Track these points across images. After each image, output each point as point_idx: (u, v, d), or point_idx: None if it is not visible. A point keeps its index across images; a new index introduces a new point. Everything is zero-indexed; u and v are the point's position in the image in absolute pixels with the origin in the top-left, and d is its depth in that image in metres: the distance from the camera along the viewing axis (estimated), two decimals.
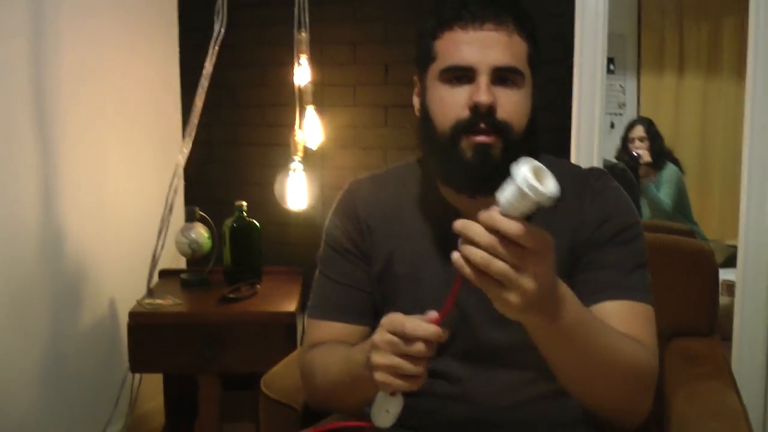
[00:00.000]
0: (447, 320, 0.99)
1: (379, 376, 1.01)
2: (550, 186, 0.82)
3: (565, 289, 0.97)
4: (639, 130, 4.10)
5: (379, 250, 1.31)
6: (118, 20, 2.48)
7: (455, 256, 0.88)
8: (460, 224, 0.88)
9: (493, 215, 0.85)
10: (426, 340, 0.98)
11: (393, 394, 1.04)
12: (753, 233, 2.47)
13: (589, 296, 1.17)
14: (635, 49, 5.12)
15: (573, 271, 1.22)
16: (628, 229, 1.23)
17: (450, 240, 1.24)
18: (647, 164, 3.96)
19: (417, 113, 1.26)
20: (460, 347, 1.24)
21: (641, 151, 3.98)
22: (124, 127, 2.55)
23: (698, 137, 5.07)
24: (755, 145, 2.45)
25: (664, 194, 3.96)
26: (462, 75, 1.15)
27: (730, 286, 3.00)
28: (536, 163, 0.84)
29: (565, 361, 1.05)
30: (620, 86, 5.17)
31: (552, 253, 0.89)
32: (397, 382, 1.00)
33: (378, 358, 1.00)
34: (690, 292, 1.79)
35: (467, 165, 1.14)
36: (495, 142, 1.13)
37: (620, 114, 5.16)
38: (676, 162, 4.13)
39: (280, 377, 1.58)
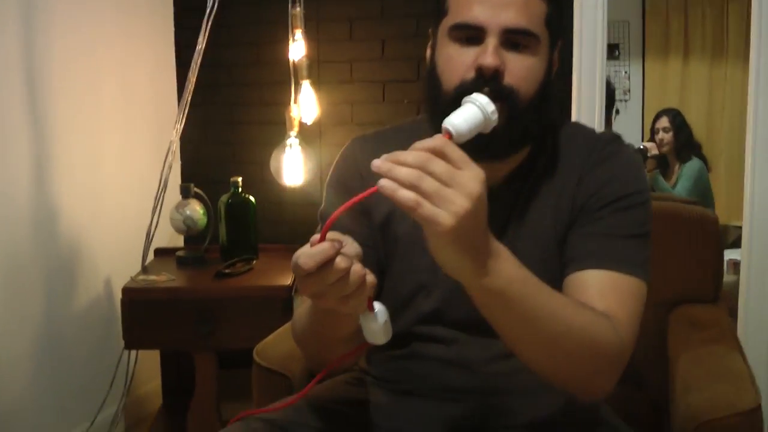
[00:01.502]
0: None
1: (318, 302, 0.93)
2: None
3: (499, 246, 0.92)
4: (664, 121, 4.05)
5: (379, 208, 1.26)
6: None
7: (382, 181, 0.83)
8: (381, 164, 0.84)
9: (419, 142, 0.85)
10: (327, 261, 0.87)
11: (370, 307, 0.97)
12: (757, 213, 2.45)
13: (572, 263, 1.13)
14: (640, 35, 5.07)
15: (569, 232, 1.17)
16: (628, 197, 1.16)
17: None
18: (654, 156, 3.89)
19: (427, 65, 1.21)
20: (456, 316, 1.21)
21: (648, 144, 3.92)
22: (119, 106, 2.54)
23: (704, 122, 5.03)
24: (759, 128, 2.42)
25: (681, 187, 3.88)
26: (472, 34, 1.10)
27: (736, 264, 2.97)
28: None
29: (507, 328, 0.98)
30: (625, 72, 5.14)
31: (482, 186, 0.84)
32: (339, 307, 0.92)
33: (306, 290, 0.91)
34: (694, 258, 1.77)
35: None
36: (499, 109, 1.05)
37: (626, 100, 5.13)
38: (701, 156, 4.07)
39: (273, 346, 1.57)
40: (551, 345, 0.99)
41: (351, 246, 0.92)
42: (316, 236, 0.89)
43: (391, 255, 1.26)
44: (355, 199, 0.88)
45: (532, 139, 1.18)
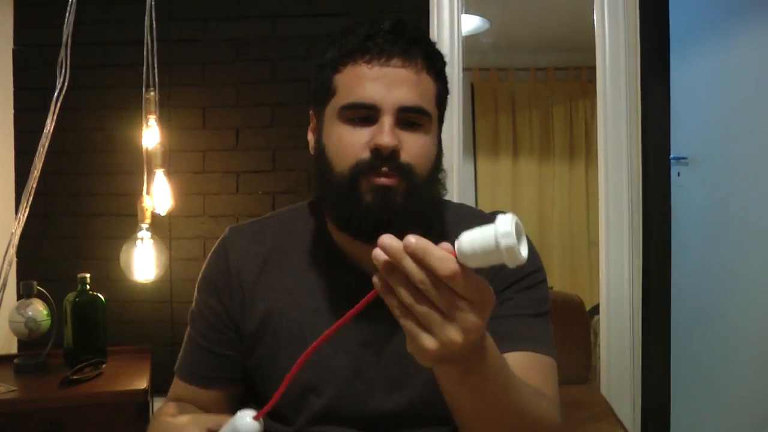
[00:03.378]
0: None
1: None
2: (524, 251, 0.69)
3: (489, 340, 0.83)
4: None
5: (255, 308, 1.18)
6: None
7: (375, 279, 0.74)
8: (390, 247, 0.71)
9: (426, 245, 0.70)
10: None
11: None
12: (613, 294, 2.54)
13: None
14: (471, 135, 5.31)
15: None
16: (530, 276, 1.16)
17: (345, 292, 1.15)
18: None
19: (311, 151, 1.16)
20: (349, 412, 1.13)
21: None
22: None
23: (536, 216, 5.28)
24: (610, 212, 2.57)
25: None
26: (365, 114, 1.06)
27: None
28: (519, 221, 0.70)
29: (473, 414, 0.93)
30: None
31: (490, 309, 0.75)
32: None
33: None
34: (564, 341, 1.79)
35: (367, 208, 1.05)
36: (398, 185, 1.05)
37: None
38: None
39: None
40: (507, 424, 0.94)
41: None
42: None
43: (274, 355, 1.17)
44: (350, 312, 0.77)
45: (427, 216, 1.14)
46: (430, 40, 1.12)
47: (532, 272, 1.16)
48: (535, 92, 5.27)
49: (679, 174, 3.26)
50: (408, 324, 0.74)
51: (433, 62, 1.09)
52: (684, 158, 3.22)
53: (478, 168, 5.34)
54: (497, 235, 0.67)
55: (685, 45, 3.16)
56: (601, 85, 2.58)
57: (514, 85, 5.28)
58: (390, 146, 1.03)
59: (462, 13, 2.65)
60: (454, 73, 2.62)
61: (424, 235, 1.09)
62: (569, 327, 1.84)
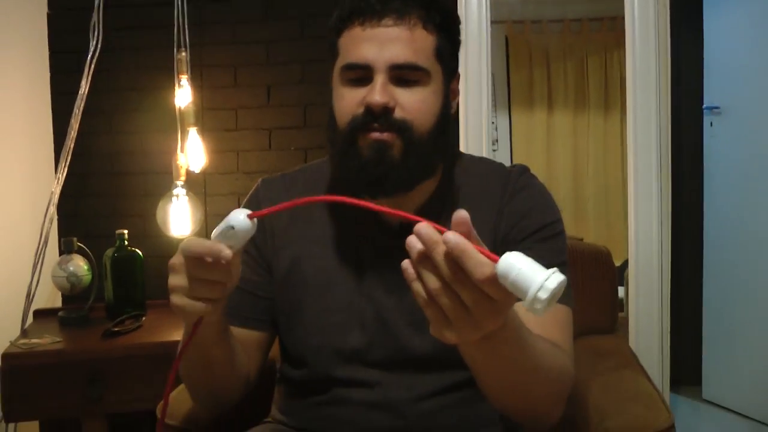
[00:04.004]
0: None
1: (175, 298, 0.92)
2: (545, 304, 0.70)
3: (511, 316, 0.85)
4: None
5: (284, 254, 1.24)
6: None
7: (406, 264, 0.76)
8: (427, 236, 0.73)
9: (465, 247, 0.71)
10: (213, 258, 0.88)
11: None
12: (642, 248, 2.56)
13: None
14: (505, 88, 5.27)
15: None
16: (548, 227, 1.19)
17: (361, 244, 1.21)
18: None
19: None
20: (379, 355, 1.19)
21: None
22: None
23: (570, 169, 5.24)
24: (639, 170, 2.56)
25: None
26: (361, 74, 1.10)
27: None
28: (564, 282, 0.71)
29: (491, 373, 0.96)
30: (492, 123, 5.30)
31: (510, 307, 0.79)
32: (193, 304, 0.91)
33: (172, 280, 0.92)
34: (591, 292, 1.83)
35: (364, 163, 1.10)
36: (393, 140, 1.09)
37: (494, 150, 5.28)
38: None
39: (177, 403, 1.48)
40: (528, 385, 0.99)
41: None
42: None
43: (300, 299, 1.23)
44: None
45: (432, 170, 1.18)
46: None
47: (550, 223, 1.20)
48: (569, 44, 5.19)
49: (711, 124, 3.23)
50: (430, 312, 0.77)
51: (430, 16, 1.11)
52: (717, 108, 3.18)
53: (512, 121, 5.31)
54: (540, 288, 0.69)
55: None
56: (630, 33, 2.54)
57: (548, 37, 5.20)
58: (380, 104, 1.07)
59: None
60: (482, 27, 2.61)
61: (441, 193, 1.12)
62: (596, 277, 1.85)
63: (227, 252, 0.86)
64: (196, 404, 1.33)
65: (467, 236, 0.72)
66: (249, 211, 0.87)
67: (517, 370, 0.94)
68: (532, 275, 0.70)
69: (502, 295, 0.73)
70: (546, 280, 0.69)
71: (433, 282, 0.74)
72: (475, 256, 0.71)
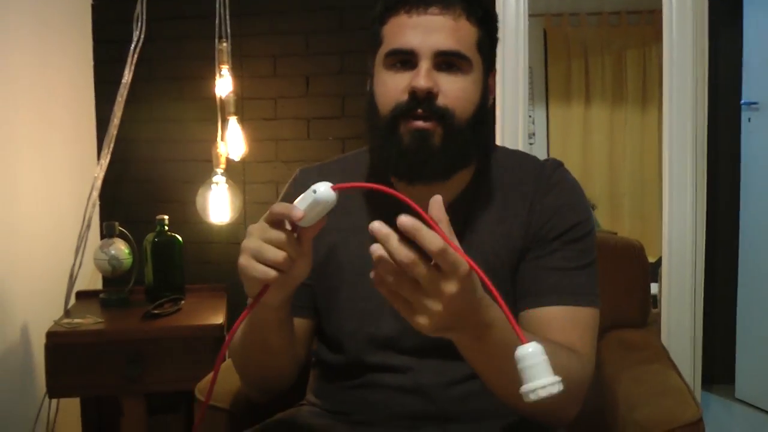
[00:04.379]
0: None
1: (242, 259, 0.94)
2: (532, 401, 0.80)
3: (494, 314, 0.91)
4: None
5: (322, 241, 1.25)
6: (30, 30, 2.37)
7: (372, 273, 0.85)
8: (379, 231, 0.81)
9: (418, 226, 0.79)
10: (285, 219, 0.92)
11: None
12: (675, 244, 2.56)
13: (532, 298, 1.17)
14: (543, 81, 5.26)
15: (522, 261, 1.20)
16: (578, 226, 1.20)
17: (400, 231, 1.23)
18: None
19: (367, 97, 1.24)
20: (409, 342, 1.21)
21: None
22: (36, 142, 2.44)
23: (606, 163, 5.22)
24: (673, 166, 2.56)
25: None
26: (405, 60, 1.13)
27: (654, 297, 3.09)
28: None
29: (490, 375, 1.01)
30: (530, 116, 5.29)
31: (467, 281, 0.83)
32: (255, 266, 0.93)
33: (245, 242, 0.94)
34: (623, 285, 1.83)
35: (405, 150, 1.12)
36: (434, 128, 1.11)
37: (531, 143, 5.27)
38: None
39: (218, 384, 1.52)
40: None
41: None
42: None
43: (337, 285, 1.26)
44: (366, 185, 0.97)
45: (469, 160, 1.20)
46: None
47: (578, 223, 1.20)
48: (607, 37, 5.16)
49: (750, 120, 3.20)
50: (399, 306, 0.85)
51: (473, 9, 1.14)
52: (755, 104, 3.14)
53: (550, 114, 5.30)
54: (533, 390, 0.78)
55: None
56: (668, 26, 2.54)
57: (587, 30, 5.17)
58: (425, 88, 1.09)
59: None
60: (519, 20, 2.62)
61: (476, 184, 1.13)
62: (628, 271, 1.85)
63: (298, 211, 0.89)
64: (246, 387, 1.36)
65: (439, 216, 0.81)
66: (331, 184, 0.89)
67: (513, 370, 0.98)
68: (537, 374, 0.79)
69: (448, 265, 0.80)
70: (543, 387, 0.78)
71: (391, 279, 0.82)
72: (427, 233, 0.78)
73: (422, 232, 0.78)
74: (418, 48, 1.11)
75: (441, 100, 1.11)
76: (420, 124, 1.11)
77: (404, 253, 0.79)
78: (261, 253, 0.92)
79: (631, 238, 1.92)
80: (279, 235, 0.92)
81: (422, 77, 1.10)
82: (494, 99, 1.25)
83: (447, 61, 1.12)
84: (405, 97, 1.12)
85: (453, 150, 1.13)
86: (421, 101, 1.10)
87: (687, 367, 2.52)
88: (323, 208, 0.89)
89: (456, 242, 0.81)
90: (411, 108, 1.11)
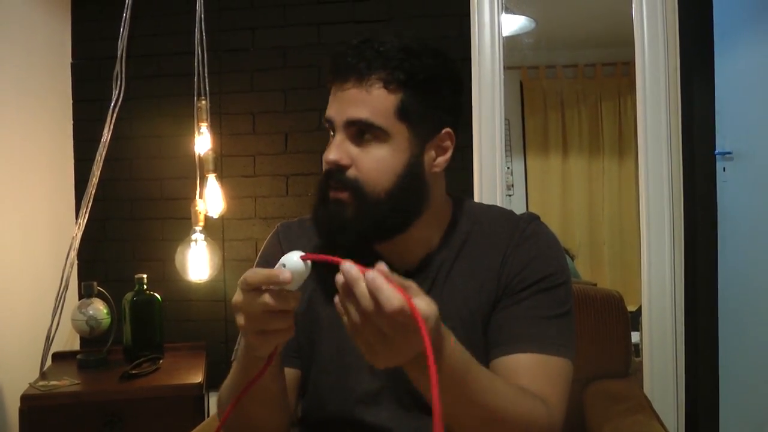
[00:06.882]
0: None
1: (250, 337, 0.95)
2: None
3: (450, 347, 0.93)
4: None
5: (302, 295, 1.27)
6: (9, 88, 2.38)
7: (337, 299, 0.87)
8: (349, 273, 0.84)
9: (380, 283, 0.81)
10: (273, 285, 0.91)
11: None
12: (654, 293, 2.57)
13: (501, 347, 1.16)
14: (521, 133, 5.32)
15: (494, 312, 1.20)
16: (550, 277, 1.19)
17: None
18: None
19: None
20: (390, 397, 1.21)
21: None
22: (14, 200, 2.42)
23: (586, 213, 5.26)
24: (651, 217, 2.59)
25: None
26: (333, 129, 1.16)
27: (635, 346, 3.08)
28: None
29: (447, 408, 0.96)
30: (508, 168, 5.33)
31: (415, 336, 0.83)
32: (269, 339, 0.95)
33: (239, 320, 0.94)
34: (604, 336, 1.83)
35: (323, 218, 1.16)
36: (347, 199, 1.12)
37: (509, 195, 5.30)
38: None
39: None
40: (490, 426, 1.01)
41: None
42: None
43: (316, 339, 1.26)
44: (327, 257, 0.90)
45: (390, 229, 1.18)
46: (401, 53, 1.12)
47: (550, 274, 1.20)
48: (583, 89, 5.24)
49: (724, 169, 3.23)
50: (358, 341, 0.87)
51: (394, 75, 1.11)
52: (729, 153, 3.19)
53: (528, 165, 5.35)
54: None
55: (730, 38, 3.14)
56: (641, 79, 2.58)
57: (563, 83, 5.26)
58: (331, 161, 1.12)
59: (502, 14, 2.69)
60: (495, 73, 2.65)
61: (446, 241, 1.13)
62: (608, 322, 1.86)
63: (286, 274, 0.89)
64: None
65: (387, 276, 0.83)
66: (302, 253, 0.90)
67: (473, 411, 0.99)
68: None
69: (411, 321, 0.81)
70: None
71: (354, 315, 0.84)
72: (387, 290, 0.80)
73: (382, 290, 0.81)
74: (334, 118, 1.14)
75: (351, 172, 1.12)
76: (334, 194, 1.14)
77: (368, 301, 0.82)
78: (269, 325, 0.93)
79: (611, 289, 1.93)
80: (276, 303, 0.91)
81: (331, 149, 1.13)
82: (444, 159, 1.23)
83: (359, 132, 1.13)
84: (325, 167, 1.15)
85: (367, 221, 1.13)
86: (333, 173, 1.13)
87: (670, 416, 2.51)
88: (298, 277, 0.91)
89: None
90: (327, 178, 1.14)
